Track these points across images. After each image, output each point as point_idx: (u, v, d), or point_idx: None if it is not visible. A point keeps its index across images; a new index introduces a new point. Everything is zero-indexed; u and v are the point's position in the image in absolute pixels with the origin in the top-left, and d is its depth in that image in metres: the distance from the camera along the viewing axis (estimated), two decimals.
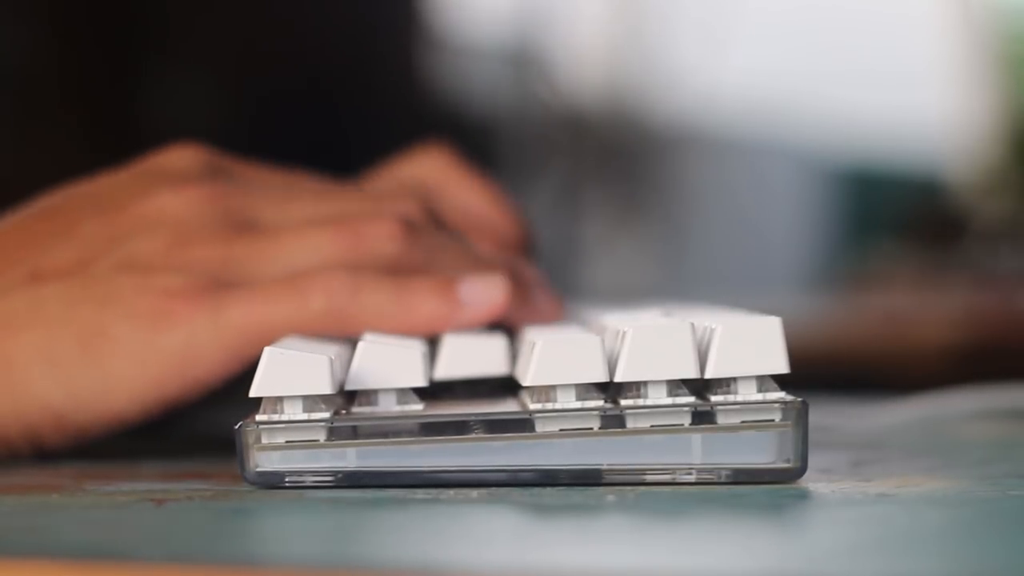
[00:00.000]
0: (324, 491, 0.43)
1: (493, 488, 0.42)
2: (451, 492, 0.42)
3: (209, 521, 0.39)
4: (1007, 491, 0.42)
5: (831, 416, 0.60)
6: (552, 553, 0.35)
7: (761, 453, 0.43)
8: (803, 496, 0.42)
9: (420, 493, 0.42)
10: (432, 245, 0.52)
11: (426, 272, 0.51)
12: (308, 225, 0.52)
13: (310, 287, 0.49)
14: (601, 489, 0.42)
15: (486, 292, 0.50)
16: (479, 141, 1.86)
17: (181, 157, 0.54)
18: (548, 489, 0.42)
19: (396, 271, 0.50)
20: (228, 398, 0.50)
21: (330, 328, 0.49)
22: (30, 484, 0.46)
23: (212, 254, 0.51)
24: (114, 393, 0.49)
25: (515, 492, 0.42)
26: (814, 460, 0.43)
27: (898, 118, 3.12)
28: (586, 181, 2.44)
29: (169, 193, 0.52)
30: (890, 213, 2.57)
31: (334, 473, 0.43)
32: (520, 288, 0.51)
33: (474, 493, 0.42)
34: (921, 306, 1.62)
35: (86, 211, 0.52)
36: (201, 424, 0.59)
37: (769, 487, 0.42)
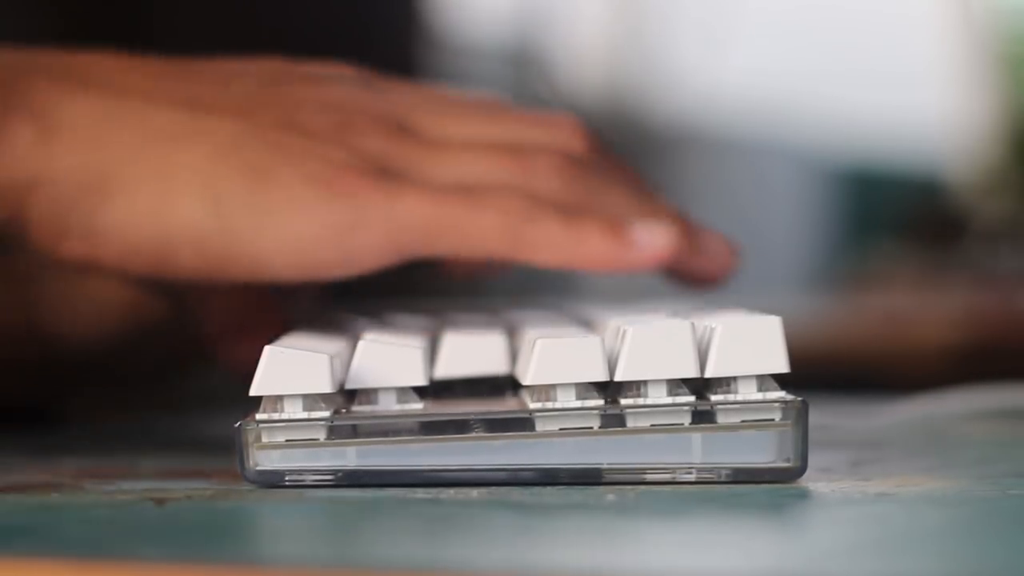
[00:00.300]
0: (324, 491, 0.43)
1: (493, 488, 0.42)
2: (451, 492, 0.42)
3: (209, 521, 0.39)
4: (1006, 491, 0.42)
5: (831, 416, 0.60)
6: (552, 553, 0.35)
7: (761, 452, 0.43)
8: (803, 496, 0.42)
9: (420, 493, 0.42)
10: (597, 184, 0.51)
11: (590, 210, 0.50)
12: (477, 143, 0.50)
13: (485, 201, 0.48)
14: (601, 489, 0.42)
15: (657, 236, 0.49)
16: None
17: (344, 67, 0.53)
18: (548, 489, 0.42)
19: (560, 206, 0.49)
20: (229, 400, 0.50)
21: (497, 248, 0.48)
22: (30, 484, 0.46)
23: (381, 146, 0.50)
24: (268, 236, 0.48)
25: (515, 492, 0.42)
26: (814, 460, 0.43)
27: (898, 118, 3.12)
28: None
29: (337, 84, 0.51)
30: (890, 213, 2.57)
31: (334, 472, 0.43)
32: (691, 235, 0.50)
33: (474, 493, 0.42)
34: (921, 306, 1.62)
35: (249, 74, 0.51)
36: (199, 424, 0.59)
37: (769, 487, 0.42)
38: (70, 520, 0.39)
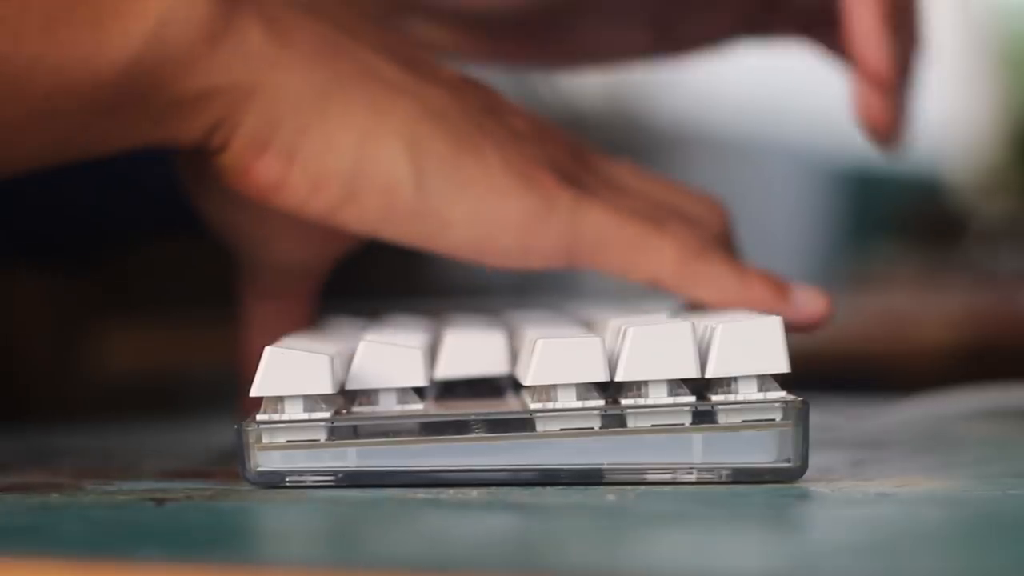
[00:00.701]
0: (325, 491, 0.43)
1: (493, 488, 0.42)
2: (451, 492, 0.42)
3: (209, 521, 0.39)
4: (1006, 491, 0.42)
5: (831, 416, 0.60)
6: (552, 553, 0.35)
7: (762, 452, 0.43)
8: (803, 496, 0.42)
9: (420, 493, 0.42)
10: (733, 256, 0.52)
11: None
12: (647, 194, 0.52)
13: (665, 231, 0.49)
14: (601, 489, 0.42)
15: (813, 300, 0.50)
16: None
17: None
18: (548, 489, 0.42)
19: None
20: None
21: (669, 281, 0.50)
22: (30, 484, 0.46)
23: (570, 163, 0.51)
24: (458, 203, 0.48)
25: (515, 492, 0.42)
26: (814, 460, 0.43)
27: None
28: None
29: (523, 108, 0.52)
30: (890, 213, 2.57)
31: (335, 473, 0.43)
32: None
33: (474, 493, 0.42)
34: (921, 306, 1.62)
35: (448, 69, 0.52)
36: (199, 424, 0.59)
37: (769, 486, 0.42)
38: (70, 520, 0.39)
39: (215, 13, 0.47)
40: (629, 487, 0.42)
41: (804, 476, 0.43)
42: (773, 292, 0.50)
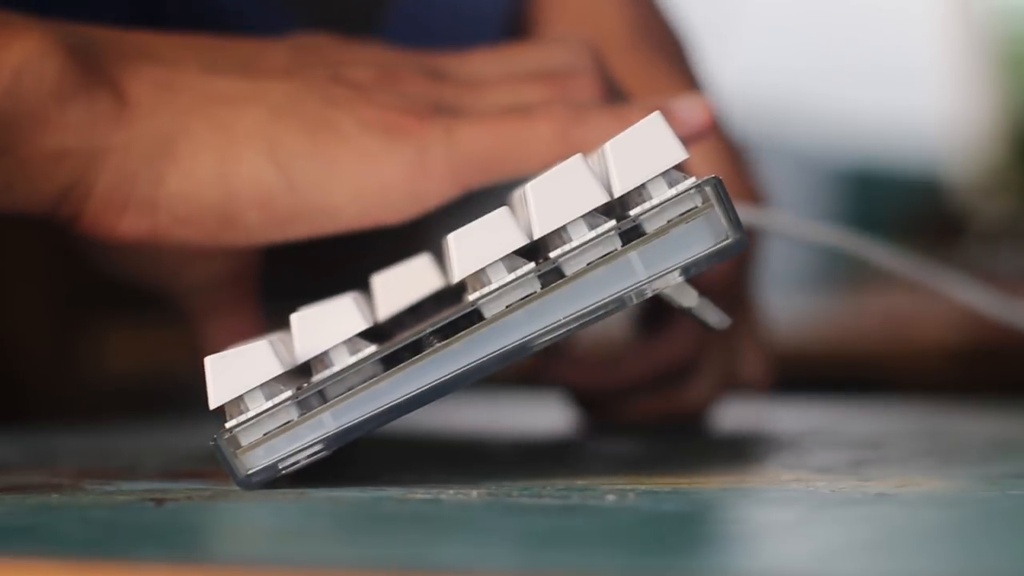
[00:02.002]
0: (323, 491, 0.43)
1: (493, 488, 0.42)
2: (451, 492, 0.42)
3: (209, 521, 0.39)
4: (1007, 491, 0.42)
5: (831, 416, 0.60)
6: (552, 553, 0.35)
7: (698, 242, 0.42)
8: (803, 496, 0.42)
9: (420, 493, 0.42)
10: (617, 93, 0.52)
11: None
12: (511, 76, 0.52)
13: (534, 115, 0.49)
14: (601, 489, 0.42)
15: (696, 107, 0.50)
16: None
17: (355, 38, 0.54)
18: (548, 489, 0.42)
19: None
20: None
21: (559, 154, 0.49)
22: (30, 484, 0.46)
23: (424, 89, 0.51)
24: (336, 187, 0.48)
25: (515, 492, 0.42)
26: (814, 460, 0.43)
27: (898, 118, 3.13)
28: None
29: (363, 47, 0.52)
30: (890, 213, 2.57)
31: (320, 441, 0.43)
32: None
33: (474, 493, 0.42)
34: (921, 306, 1.62)
35: (283, 44, 0.52)
36: (199, 424, 0.59)
37: (769, 487, 0.42)
38: (70, 520, 0.39)
39: (67, 72, 0.48)
40: (628, 488, 0.42)
41: (803, 476, 0.43)
42: None
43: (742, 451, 0.57)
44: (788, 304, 1.58)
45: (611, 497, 0.41)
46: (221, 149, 0.48)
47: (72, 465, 0.49)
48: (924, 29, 3.20)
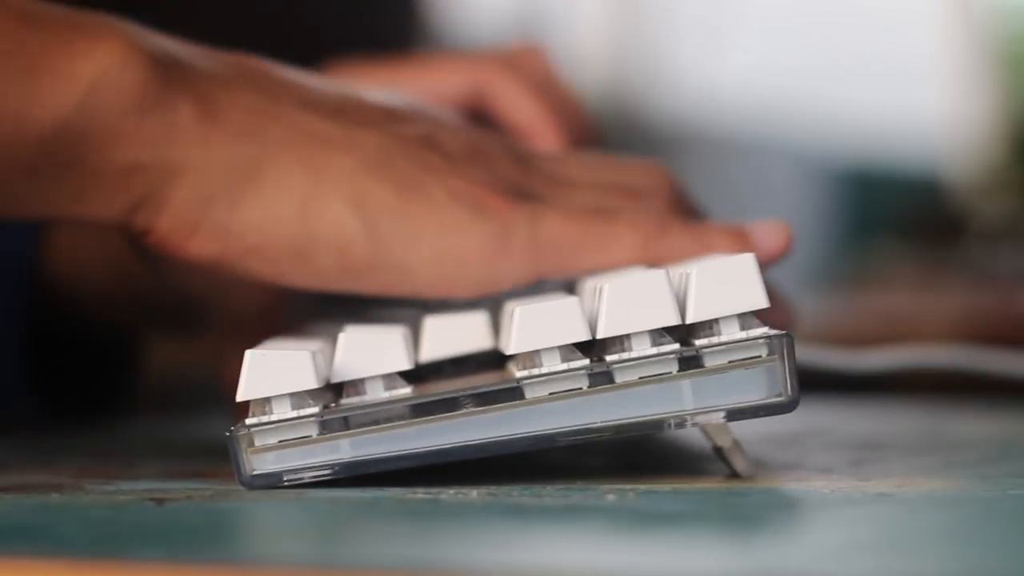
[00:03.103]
0: (324, 491, 0.43)
1: (493, 488, 0.42)
2: (451, 492, 0.42)
3: (209, 521, 0.39)
4: (1007, 491, 0.42)
5: (831, 415, 0.60)
6: (552, 553, 0.35)
7: (752, 391, 0.42)
8: (803, 496, 0.42)
9: (420, 493, 0.42)
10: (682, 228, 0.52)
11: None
12: (595, 183, 0.52)
13: (619, 220, 0.49)
14: (601, 489, 0.42)
15: (772, 233, 0.50)
16: None
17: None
18: (548, 489, 0.42)
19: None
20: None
21: (636, 260, 0.49)
22: (30, 484, 0.46)
23: (513, 173, 0.51)
24: (417, 247, 0.48)
25: (515, 492, 0.42)
26: (814, 460, 0.43)
27: (898, 118, 3.13)
28: None
29: (457, 122, 0.53)
30: (890, 213, 2.56)
31: (331, 466, 0.43)
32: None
33: (474, 493, 0.42)
34: (921, 306, 1.62)
35: (380, 107, 0.52)
36: (199, 424, 0.59)
37: (768, 487, 0.42)
38: (70, 520, 0.39)
39: (148, 83, 0.47)
40: (629, 487, 0.42)
41: (803, 476, 0.43)
42: (734, 240, 0.50)
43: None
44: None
45: (611, 497, 0.41)
46: (307, 188, 0.48)
47: (72, 465, 0.49)
48: (924, 29, 3.20)
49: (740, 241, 0.50)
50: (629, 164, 0.54)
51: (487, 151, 0.51)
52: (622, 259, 0.49)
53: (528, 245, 0.49)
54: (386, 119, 0.51)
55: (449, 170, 0.49)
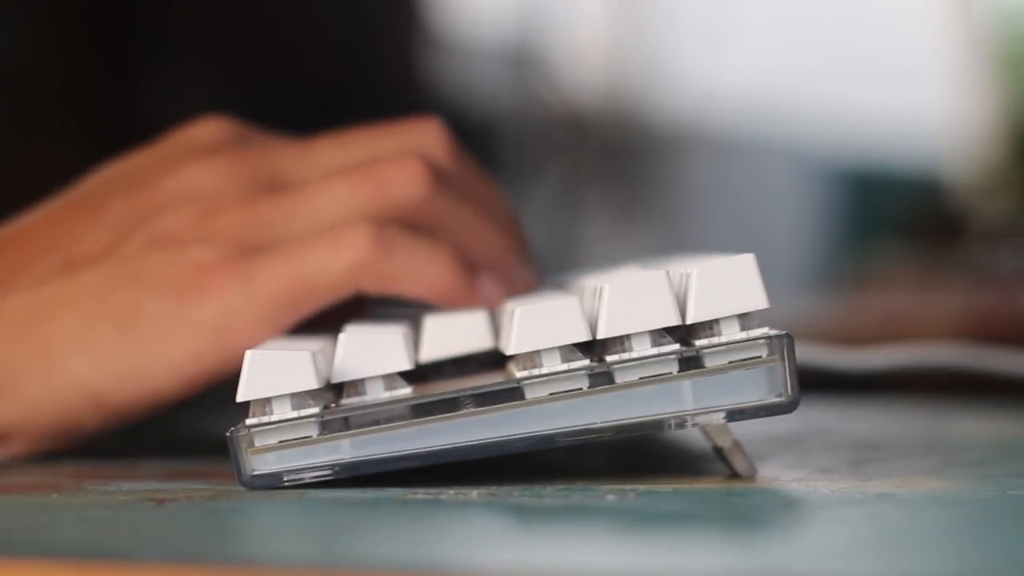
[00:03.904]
0: (324, 491, 0.43)
1: (493, 488, 0.42)
2: (451, 492, 0.42)
3: (209, 521, 0.39)
4: (1007, 491, 0.42)
5: (831, 415, 0.60)
6: (552, 553, 0.35)
7: (752, 391, 0.42)
8: (803, 496, 0.42)
9: (420, 493, 0.42)
10: (453, 196, 0.52)
11: (445, 225, 0.51)
12: (330, 176, 0.51)
13: (336, 242, 0.49)
14: (601, 489, 0.42)
15: (494, 290, 0.50)
16: (479, 141, 1.86)
17: (206, 129, 0.54)
18: (548, 489, 0.42)
19: (418, 218, 0.50)
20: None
21: (361, 284, 0.49)
22: (30, 484, 0.46)
23: (239, 221, 0.51)
24: (153, 371, 0.49)
25: (515, 492, 0.42)
26: (814, 460, 0.43)
27: (898, 118, 3.13)
28: (586, 181, 2.44)
29: (194, 166, 0.52)
30: (890, 213, 2.57)
31: (332, 467, 0.43)
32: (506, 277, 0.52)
33: (474, 493, 0.42)
34: (921, 306, 1.62)
35: (115, 192, 0.53)
36: (199, 424, 0.59)
37: (768, 487, 0.42)
38: (70, 520, 0.39)
39: None
40: (628, 487, 0.42)
41: (804, 476, 0.43)
42: (457, 280, 0.50)
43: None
44: (788, 304, 1.58)
45: (611, 497, 0.41)
46: (43, 370, 0.50)
47: (72, 465, 0.49)
48: (924, 29, 3.20)
49: (464, 280, 0.50)
50: (385, 128, 0.54)
51: (215, 207, 0.51)
52: (343, 285, 0.49)
53: (249, 311, 0.49)
54: (110, 235, 0.51)
55: (170, 265, 0.49)
